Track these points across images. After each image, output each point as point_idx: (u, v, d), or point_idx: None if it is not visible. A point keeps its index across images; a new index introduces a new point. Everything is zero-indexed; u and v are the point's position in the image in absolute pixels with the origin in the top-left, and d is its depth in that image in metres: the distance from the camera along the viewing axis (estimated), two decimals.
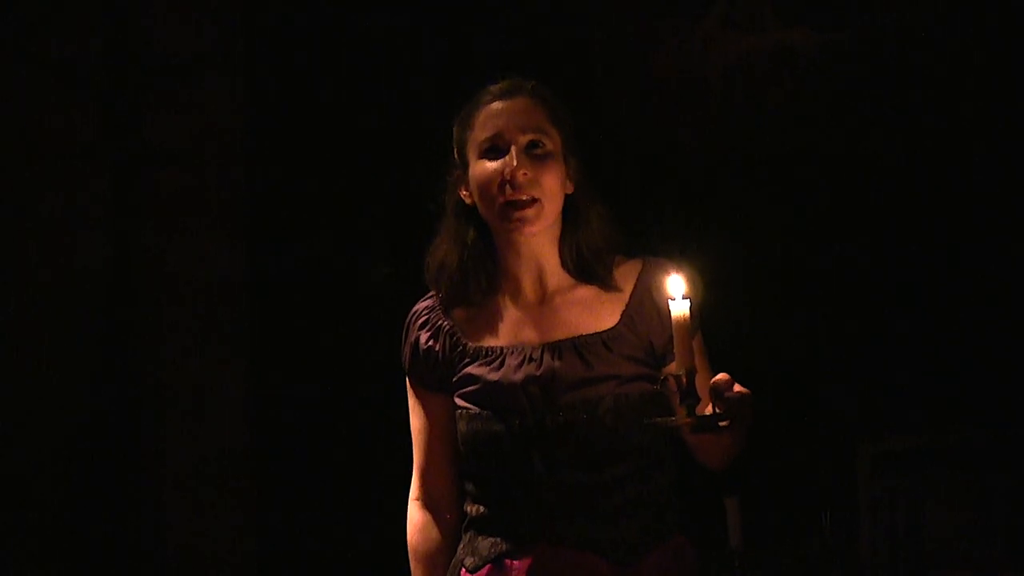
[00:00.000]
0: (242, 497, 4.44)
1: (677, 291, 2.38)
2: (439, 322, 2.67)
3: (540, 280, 2.65)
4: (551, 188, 2.61)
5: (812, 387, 4.27)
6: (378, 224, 4.51)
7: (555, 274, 2.66)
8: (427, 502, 2.71)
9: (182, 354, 4.42)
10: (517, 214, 2.58)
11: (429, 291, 2.72)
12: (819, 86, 4.42)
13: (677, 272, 2.41)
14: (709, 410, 2.38)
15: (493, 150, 2.62)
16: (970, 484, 4.07)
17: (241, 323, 4.45)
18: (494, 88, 2.68)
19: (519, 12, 4.49)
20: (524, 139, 2.61)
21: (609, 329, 2.61)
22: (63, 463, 4.34)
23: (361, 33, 4.50)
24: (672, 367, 2.38)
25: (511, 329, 2.63)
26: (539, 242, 2.63)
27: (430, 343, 2.66)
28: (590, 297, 2.64)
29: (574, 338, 2.60)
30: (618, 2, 4.51)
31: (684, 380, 2.36)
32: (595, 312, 2.63)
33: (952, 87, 4.33)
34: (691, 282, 2.44)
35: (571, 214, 2.66)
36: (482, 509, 2.62)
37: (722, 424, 2.37)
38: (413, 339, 2.69)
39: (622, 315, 2.63)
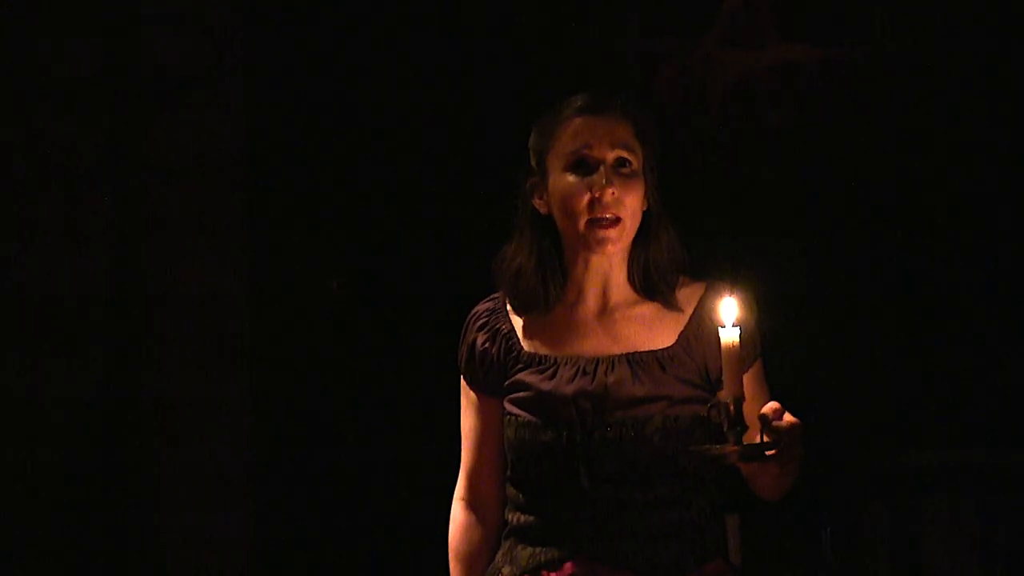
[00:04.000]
0: (244, 514, 4.42)
1: (727, 318, 2.34)
2: (498, 325, 2.65)
3: (604, 292, 2.63)
4: (634, 207, 2.58)
5: (813, 407, 4.25)
6: (382, 237, 4.49)
7: (620, 288, 2.63)
8: (472, 502, 2.69)
9: (183, 370, 4.40)
10: (601, 234, 2.56)
11: (492, 293, 2.70)
12: (821, 102, 4.42)
13: (734, 298, 2.37)
14: (758, 439, 2.35)
15: (581, 165, 2.57)
16: (971, 505, 4.07)
17: (243, 339, 4.43)
18: (580, 100, 2.62)
19: (519, 32, 4.47)
20: (612, 157, 2.57)
21: (665, 348, 2.59)
22: (62, 480, 4.33)
23: (361, 51, 4.48)
24: (722, 394, 2.35)
25: (567, 339, 2.61)
26: (610, 256, 2.61)
27: (486, 345, 2.64)
28: (650, 314, 2.62)
29: (629, 354, 2.57)
30: (618, 21, 4.49)
31: (732, 408, 2.33)
32: (653, 330, 2.60)
33: (956, 101, 4.34)
34: (747, 309, 2.40)
35: (643, 229, 2.62)
36: (524, 518, 2.59)
37: (768, 453, 2.34)
38: (471, 340, 2.67)
39: (679, 336, 2.60)
